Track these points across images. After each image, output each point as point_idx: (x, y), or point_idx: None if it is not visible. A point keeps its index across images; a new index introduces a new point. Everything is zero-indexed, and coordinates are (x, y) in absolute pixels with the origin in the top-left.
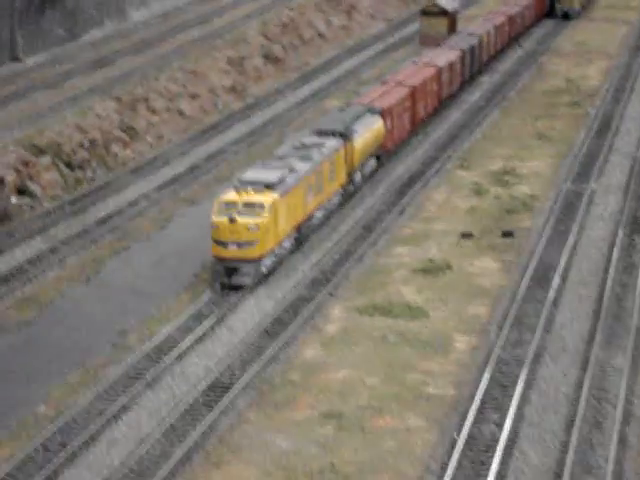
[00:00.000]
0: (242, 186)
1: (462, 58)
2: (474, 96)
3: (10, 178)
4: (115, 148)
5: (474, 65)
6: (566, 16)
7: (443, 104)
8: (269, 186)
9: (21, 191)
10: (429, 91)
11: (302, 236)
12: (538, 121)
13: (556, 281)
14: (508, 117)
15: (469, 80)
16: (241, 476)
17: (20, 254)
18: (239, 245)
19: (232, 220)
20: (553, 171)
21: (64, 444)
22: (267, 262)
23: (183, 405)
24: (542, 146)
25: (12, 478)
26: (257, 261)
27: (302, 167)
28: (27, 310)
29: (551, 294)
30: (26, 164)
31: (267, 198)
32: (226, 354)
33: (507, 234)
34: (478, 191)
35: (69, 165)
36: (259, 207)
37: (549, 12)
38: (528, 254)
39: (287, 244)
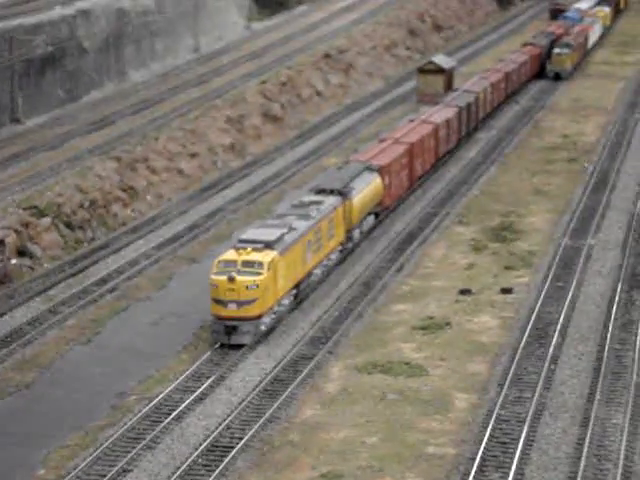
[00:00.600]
0: (241, 245)
1: (459, 115)
2: (471, 152)
3: (10, 239)
4: (115, 208)
5: (471, 122)
6: (558, 77)
7: (440, 161)
8: (268, 245)
9: (21, 252)
10: (426, 148)
11: (301, 294)
12: (535, 177)
13: (555, 338)
14: (505, 173)
15: (466, 137)
16: None
17: (20, 315)
18: (238, 304)
19: (231, 279)
20: (551, 227)
21: None
22: (266, 320)
23: (182, 467)
24: (540, 202)
25: None
26: (256, 319)
27: (301, 225)
28: (27, 372)
29: (551, 351)
30: (26, 225)
31: (266, 256)
32: (225, 414)
33: (506, 290)
34: (476, 247)
35: (69, 225)
36: (258, 265)
37: (539, 73)
38: (527, 310)
39: (286, 302)
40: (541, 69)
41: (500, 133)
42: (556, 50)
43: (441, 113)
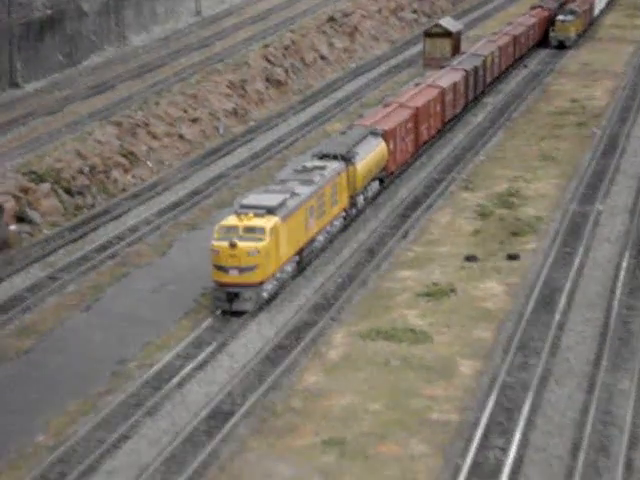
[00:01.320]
0: (243, 211)
1: (466, 79)
2: (478, 117)
3: (9, 205)
4: (115, 174)
5: (478, 86)
6: (561, 46)
7: (447, 126)
8: (270, 210)
9: (20, 218)
10: (432, 113)
11: (304, 260)
12: (543, 142)
13: (562, 304)
14: (513, 138)
15: (473, 101)
16: None
17: (19, 282)
18: (240, 270)
19: (233, 245)
20: (559, 192)
21: (64, 474)
22: (268, 287)
23: (183, 433)
24: (547, 167)
25: None
26: (258, 286)
27: (304, 191)
28: (26, 339)
29: (557, 317)
30: (25, 191)
31: (268, 222)
32: (227, 381)
33: (512, 257)
34: (483, 213)
35: (69, 191)
36: (260, 231)
37: (542, 41)
38: (533, 277)
39: (289, 268)
40: (544, 37)
41: (508, 97)
42: (560, 17)
43: (448, 77)
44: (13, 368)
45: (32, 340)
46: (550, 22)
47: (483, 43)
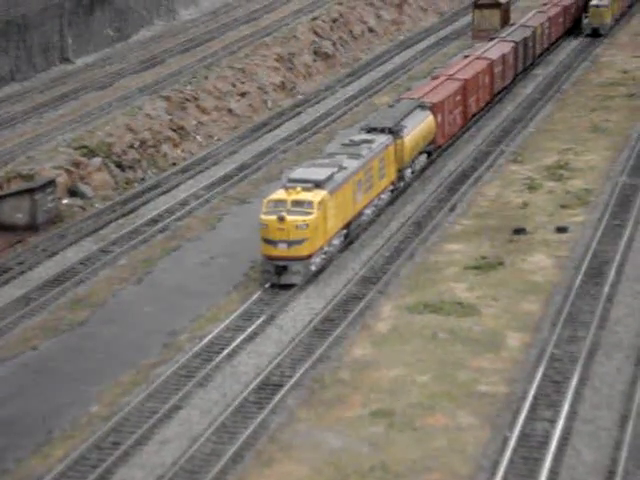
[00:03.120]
0: (291, 184)
1: (515, 51)
2: (528, 89)
3: (61, 180)
4: (165, 148)
5: (527, 58)
6: (595, 33)
7: (496, 98)
8: (318, 184)
9: (72, 192)
10: (481, 85)
11: (352, 234)
12: (593, 114)
13: (611, 276)
14: (562, 110)
15: (522, 73)
16: (292, 474)
17: (72, 255)
18: (288, 244)
19: (281, 219)
20: (608, 164)
21: (117, 443)
22: (316, 260)
23: (234, 404)
24: (597, 139)
25: (66, 478)
26: (306, 259)
27: (351, 164)
28: (79, 311)
29: (606, 290)
30: (77, 165)
31: (316, 196)
32: (276, 353)
33: (561, 229)
34: (531, 186)
35: (119, 166)
36: (308, 205)
37: (573, 28)
38: (583, 249)
39: (337, 242)
40: (576, 24)
41: (558, 69)
42: (593, 2)
43: (497, 49)
44: (67, 340)
45: (85, 312)
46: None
47: (533, 14)
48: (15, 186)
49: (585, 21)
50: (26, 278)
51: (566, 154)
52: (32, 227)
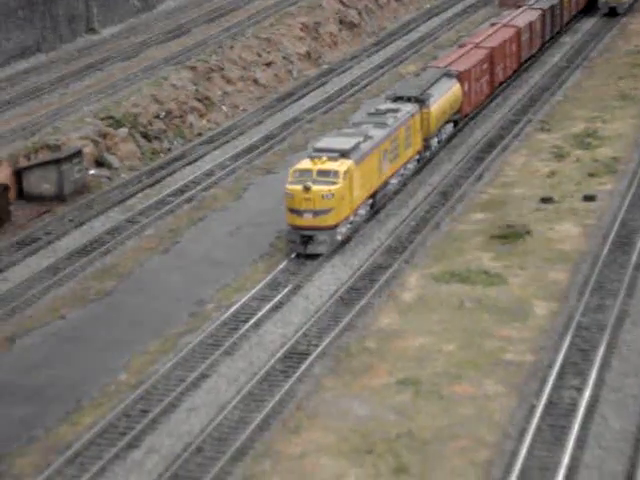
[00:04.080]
0: (317, 154)
1: (543, 18)
2: (555, 57)
3: (88, 150)
4: (191, 118)
5: (555, 25)
6: (613, 12)
7: (523, 66)
8: (344, 154)
9: (99, 163)
10: (508, 53)
11: (378, 203)
12: (621, 81)
13: (639, 245)
14: (590, 78)
15: (550, 41)
16: (319, 442)
17: (99, 225)
18: (314, 213)
19: (307, 188)
20: (637, 132)
21: (145, 411)
22: (342, 230)
23: (261, 372)
24: (625, 107)
25: (95, 445)
26: (332, 229)
27: (377, 134)
28: (107, 280)
29: (634, 258)
30: (104, 136)
31: (341, 165)
32: (302, 322)
33: (589, 198)
34: (559, 154)
35: (146, 136)
36: (333, 175)
37: (588, 6)
38: (610, 218)
39: (362, 212)
40: (591, 2)
41: (585, 37)
42: None
43: (524, 16)
44: (95, 309)
45: (113, 282)
46: None
47: None
48: (42, 157)
49: (601, 0)
50: (54, 248)
51: (594, 122)
52: (59, 197)
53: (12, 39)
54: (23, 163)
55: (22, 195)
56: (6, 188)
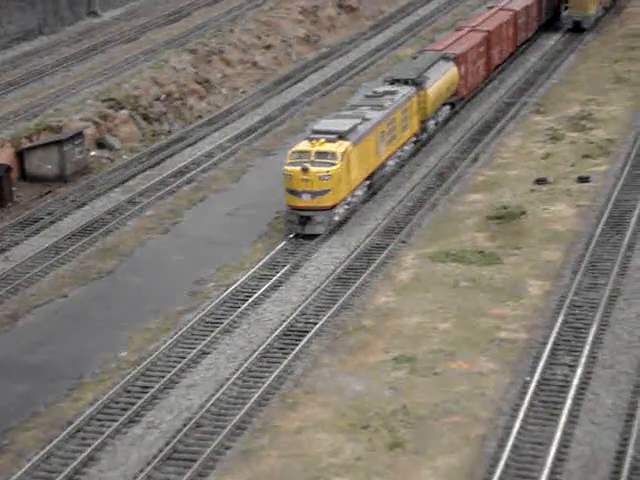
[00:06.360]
0: (315, 136)
1: (539, 2)
2: (551, 40)
3: (89, 132)
4: (191, 100)
5: (551, 9)
6: (577, 27)
7: (519, 49)
8: (341, 135)
9: (100, 144)
10: (504, 36)
11: (375, 185)
12: (616, 64)
13: (632, 225)
14: (585, 61)
15: (546, 24)
16: (316, 417)
17: (100, 206)
18: (312, 194)
19: (305, 169)
20: (631, 115)
21: (146, 387)
22: (340, 211)
23: (259, 350)
24: (620, 90)
25: (97, 420)
26: (330, 210)
27: (374, 116)
28: (108, 260)
29: (627, 238)
30: (104, 117)
31: (339, 147)
32: (300, 301)
33: (583, 179)
34: (554, 136)
35: (146, 118)
36: (331, 156)
37: (550, 21)
38: (604, 199)
39: (360, 193)
40: (553, 16)
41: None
42: None
43: (521, 0)
44: (96, 288)
45: (114, 261)
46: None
47: None
48: (44, 138)
49: (565, 13)
50: (56, 228)
51: (589, 105)
52: (61, 178)
53: (14, 22)
54: (25, 144)
55: (24, 176)
56: (8, 169)
